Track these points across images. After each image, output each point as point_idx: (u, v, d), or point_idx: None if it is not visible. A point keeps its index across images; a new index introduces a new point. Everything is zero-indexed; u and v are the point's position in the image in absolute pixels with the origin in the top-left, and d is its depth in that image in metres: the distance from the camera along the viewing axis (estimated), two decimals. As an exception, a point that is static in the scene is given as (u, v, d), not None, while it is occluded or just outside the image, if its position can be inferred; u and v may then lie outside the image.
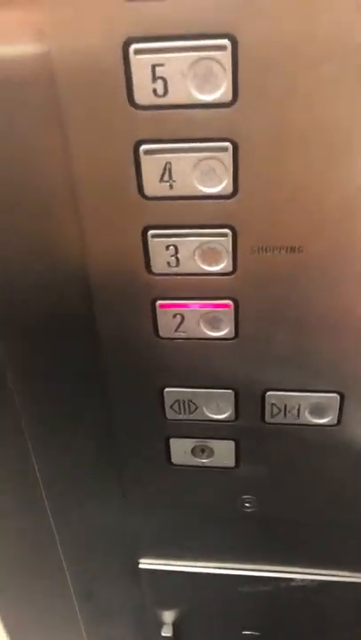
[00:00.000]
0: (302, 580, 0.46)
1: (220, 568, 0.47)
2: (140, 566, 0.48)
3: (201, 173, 0.29)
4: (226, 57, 0.26)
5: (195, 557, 0.47)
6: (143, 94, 0.27)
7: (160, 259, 0.32)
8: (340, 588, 0.45)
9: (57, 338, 0.36)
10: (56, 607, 0.55)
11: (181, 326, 0.34)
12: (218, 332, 0.34)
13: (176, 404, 0.37)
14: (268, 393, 0.36)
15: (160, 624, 0.53)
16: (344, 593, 0.46)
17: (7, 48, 0.27)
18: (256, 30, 0.25)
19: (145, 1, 0.25)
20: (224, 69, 0.26)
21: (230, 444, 0.39)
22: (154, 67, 0.26)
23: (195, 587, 0.49)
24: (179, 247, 0.31)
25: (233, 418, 0.37)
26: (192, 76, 0.26)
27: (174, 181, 0.29)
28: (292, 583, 0.46)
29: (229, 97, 0.26)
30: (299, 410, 0.36)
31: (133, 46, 0.26)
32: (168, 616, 0.52)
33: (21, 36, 0.27)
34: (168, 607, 0.52)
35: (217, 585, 0.48)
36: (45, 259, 0.33)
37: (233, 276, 0.32)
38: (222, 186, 0.29)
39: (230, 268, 0.31)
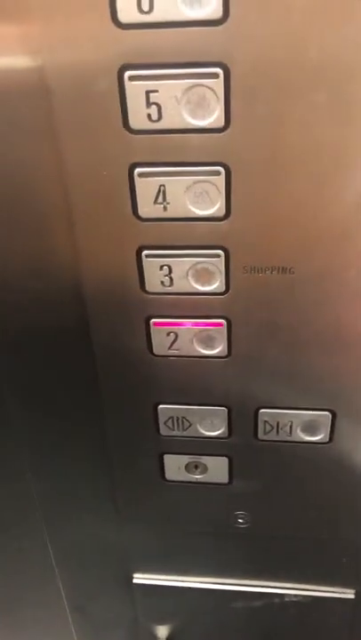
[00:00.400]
0: (295, 596, 0.46)
1: (213, 583, 0.47)
2: (134, 581, 0.48)
3: (194, 196, 0.29)
4: (218, 84, 0.26)
5: (188, 572, 0.47)
6: (138, 119, 0.27)
7: (154, 278, 0.32)
8: (332, 603, 0.46)
9: (52, 354, 0.36)
10: (49, 621, 0.55)
11: (175, 344, 0.34)
12: (211, 350, 0.34)
13: (170, 420, 0.38)
14: (261, 410, 0.36)
15: (154, 639, 0.52)
16: (336, 608, 0.46)
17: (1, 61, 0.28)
18: (247, 59, 0.25)
19: (139, 29, 0.26)
20: (217, 96, 0.26)
21: (223, 461, 0.39)
22: (148, 93, 0.27)
23: (188, 602, 0.49)
24: (172, 267, 0.31)
25: (226, 435, 0.38)
26: (185, 103, 0.27)
27: (168, 203, 0.29)
28: (285, 599, 0.46)
29: (222, 123, 0.27)
30: (291, 427, 0.36)
31: (128, 73, 0.26)
32: (162, 631, 0.52)
33: (16, 50, 0.27)
34: (162, 622, 0.52)
35: (210, 600, 0.48)
36: (41, 276, 0.34)
37: (226, 295, 0.32)
38: (215, 208, 0.29)
39: (223, 288, 0.32)
